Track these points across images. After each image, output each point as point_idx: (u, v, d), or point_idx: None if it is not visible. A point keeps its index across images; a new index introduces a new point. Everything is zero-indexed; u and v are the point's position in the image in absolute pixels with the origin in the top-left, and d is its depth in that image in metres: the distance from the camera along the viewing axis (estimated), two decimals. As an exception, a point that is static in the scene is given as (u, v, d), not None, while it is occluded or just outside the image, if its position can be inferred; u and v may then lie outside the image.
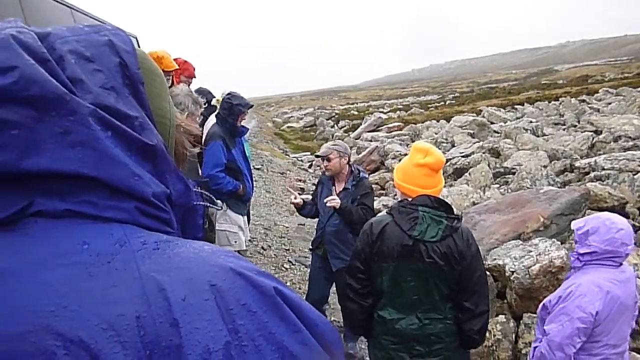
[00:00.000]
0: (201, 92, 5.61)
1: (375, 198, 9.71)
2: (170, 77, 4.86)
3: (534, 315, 3.93)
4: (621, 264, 2.56)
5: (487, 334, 4.32)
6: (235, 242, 4.61)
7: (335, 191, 4.23)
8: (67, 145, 0.55)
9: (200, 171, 4.65)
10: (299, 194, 4.54)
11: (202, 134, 4.72)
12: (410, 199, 2.50)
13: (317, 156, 4.41)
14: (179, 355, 0.50)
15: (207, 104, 5.27)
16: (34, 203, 0.55)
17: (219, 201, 4.38)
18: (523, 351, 4.13)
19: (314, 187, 4.76)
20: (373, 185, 6.24)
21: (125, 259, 0.54)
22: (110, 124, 0.59)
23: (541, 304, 2.74)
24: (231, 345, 0.51)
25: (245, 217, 4.85)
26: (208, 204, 0.92)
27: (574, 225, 2.68)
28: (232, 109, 4.39)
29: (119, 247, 0.55)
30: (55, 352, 0.47)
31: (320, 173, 4.44)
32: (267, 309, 0.55)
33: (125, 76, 0.64)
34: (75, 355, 0.48)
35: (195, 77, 5.54)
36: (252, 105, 4.79)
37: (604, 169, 8.85)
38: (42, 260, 0.53)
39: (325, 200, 4.03)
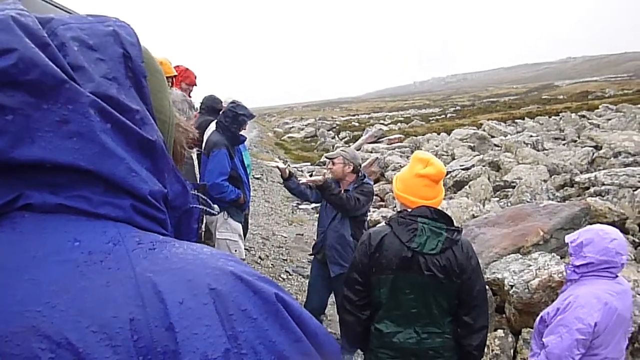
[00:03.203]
0: (213, 100, 5.62)
1: (374, 209, 9.72)
2: (170, 83, 4.87)
3: (533, 330, 3.88)
4: (617, 275, 2.55)
5: (486, 349, 4.28)
6: (236, 250, 4.60)
7: None
8: (63, 135, 0.52)
9: (197, 174, 4.65)
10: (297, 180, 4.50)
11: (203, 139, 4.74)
12: (409, 210, 2.47)
13: (326, 157, 4.44)
14: None
15: (217, 112, 5.29)
16: (22, 196, 0.52)
17: (215, 205, 4.37)
18: (521, 367, 4.08)
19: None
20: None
21: (119, 258, 0.50)
22: (111, 115, 0.56)
23: (539, 316, 2.71)
24: (230, 353, 0.48)
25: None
26: (205, 208, 0.89)
27: (568, 238, 2.67)
28: (236, 118, 4.43)
29: (112, 245, 0.52)
30: (40, 356, 0.44)
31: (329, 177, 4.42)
32: (268, 316, 0.52)
33: (128, 68, 0.61)
34: (62, 359, 0.45)
35: (196, 84, 5.54)
36: (255, 116, 4.80)
37: (604, 184, 8.83)
38: (30, 258, 0.50)
39: (302, 181, 4.04)
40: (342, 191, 4.12)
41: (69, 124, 0.52)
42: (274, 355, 0.51)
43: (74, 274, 0.48)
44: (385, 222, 2.59)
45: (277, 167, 4.41)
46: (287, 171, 4.34)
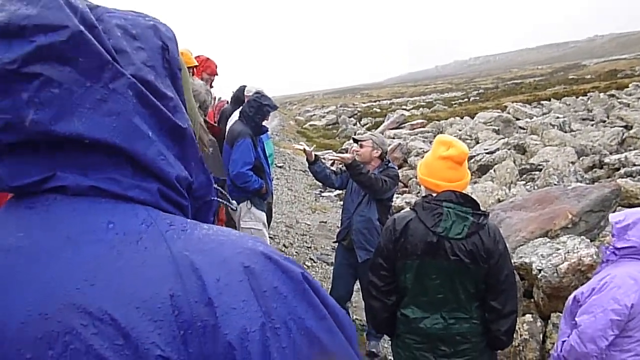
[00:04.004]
0: (240, 90, 5.63)
1: (398, 195, 9.66)
2: (191, 73, 4.90)
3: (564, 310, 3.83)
4: None
5: (514, 334, 4.23)
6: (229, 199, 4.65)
7: None
8: (103, 113, 0.54)
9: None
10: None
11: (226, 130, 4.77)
12: (434, 195, 2.44)
13: (354, 139, 4.37)
14: (216, 335, 0.49)
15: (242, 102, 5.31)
16: (54, 177, 0.54)
17: (234, 201, 4.41)
18: (551, 351, 4.02)
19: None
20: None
21: (154, 239, 0.53)
22: (147, 99, 0.58)
23: (571, 296, 2.65)
24: (266, 327, 0.50)
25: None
26: (224, 202, 0.91)
27: (612, 218, 2.60)
28: (261, 109, 4.44)
29: (145, 227, 0.54)
30: (81, 332, 0.47)
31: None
32: (296, 294, 0.54)
33: (165, 60, 0.63)
34: (105, 334, 0.47)
35: (217, 74, 5.56)
36: (278, 107, 4.81)
37: (635, 165, 8.62)
38: (64, 238, 0.52)
39: (330, 157, 3.97)
40: None
41: (108, 103, 0.55)
42: (303, 330, 0.53)
43: (110, 253, 0.50)
44: (410, 207, 2.57)
45: (304, 150, 4.36)
46: (313, 154, 4.31)
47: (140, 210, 0.56)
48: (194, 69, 4.98)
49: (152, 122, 0.59)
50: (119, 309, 0.47)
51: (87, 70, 0.54)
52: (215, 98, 5.67)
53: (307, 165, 4.51)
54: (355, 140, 4.27)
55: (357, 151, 4.16)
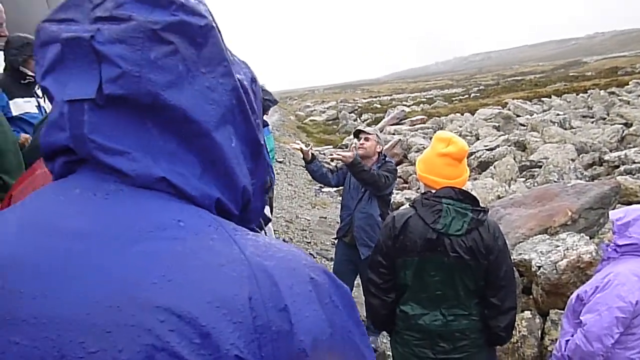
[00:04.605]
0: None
1: (397, 191, 9.66)
2: None
3: (561, 311, 3.83)
4: None
5: (513, 331, 4.24)
6: (265, 233, 4.65)
7: None
8: (206, 99, 0.59)
9: None
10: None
11: None
12: (433, 191, 2.44)
13: (357, 131, 4.31)
14: (291, 341, 0.50)
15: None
16: (127, 154, 0.55)
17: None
18: (549, 348, 4.03)
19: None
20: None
21: (225, 241, 0.53)
22: (243, 106, 0.63)
23: (575, 294, 2.64)
24: (333, 337, 0.53)
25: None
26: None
27: (613, 215, 2.60)
28: (261, 103, 4.43)
29: (213, 229, 0.54)
30: (156, 328, 0.45)
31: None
32: (347, 308, 0.57)
33: (254, 86, 0.70)
34: (182, 333, 0.45)
35: None
36: (278, 102, 4.80)
37: (634, 162, 8.62)
38: (137, 231, 0.51)
39: (332, 155, 3.98)
40: None
41: (213, 93, 0.60)
42: (352, 344, 0.56)
43: (185, 251, 0.50)
44: (409, 204, 2.57)
45: (300, 150, 4.28)
46: (310, 153, 4.26)
47: (203, 213, 0.56)
48: None
49: (239, 129, 0.63)
50: (198, 307, 0.46)
51: (206, 59, 0.60)
52: None
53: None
54: (357, 136, 4.24)
55: (363, 144, 4.13)
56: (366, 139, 4.11)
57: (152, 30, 0.55)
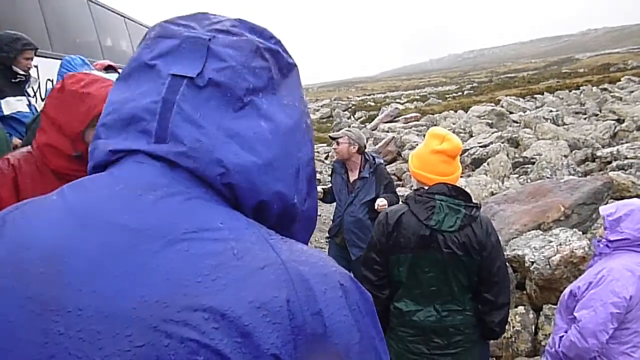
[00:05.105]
0: None
1: (392, 189, 9.66)
2: None
3: (555, 306, 3.85)
4: None
5: (507, 325, 4.26)
6: None
7: (349, 179, 4.24)
8: (281, 109, 0.65)
9: None
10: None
11: None
12: (426, 188, 2.44)
13: (330, 136, 4.48)
14: (325, 344, 0.52)
15: None
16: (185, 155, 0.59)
17: None
18: (543, 343, 4.06)
19: (329, 177, 4.79)
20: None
21: (262, 244, 0.55)
22: (309, 133, 0.71)
23: (567, 290, 2.64)
24: (361, 342, 0.55)
25: None
26: None
27: (604, 211, 2.60)
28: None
29: (251, 232, 0.56)
30: (201, 325, 0.46)
31: (335, 162, 4.51)
32: (369, 315, 0.59)
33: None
34: (225, 331, 0.47)
35: None
36: None
37: (626, 158, 8.66)
38: (182, 231, 0.52)
39: (377, 207, 4.03)
40: (357, 177, 4.17)
41: (287, 109, 0.66)
42: (373, 349, 0.58)
43: (228, 253, 0.52)
44: (402, 201, 2.57)
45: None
46: (322, 193, 4.45)
47: (239, 216, 0.58)
48: None
49: (302, 149, 0.69)
50: (241, 307, 0.48)
51: (287, 87, 0.68)
52: None
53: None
54: (333, 139, 4.33)
55: (336, 149, 4.24)
56: (337, 143, 4.20)
57: (257, 47, 0.65)
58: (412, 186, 2.85)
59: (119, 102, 0.63)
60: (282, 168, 0.63)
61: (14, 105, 3.43)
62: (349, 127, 23.39)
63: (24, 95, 3.63)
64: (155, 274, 0.49)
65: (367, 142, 4.38)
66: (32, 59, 3.62)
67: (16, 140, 3.22)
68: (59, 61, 3.62)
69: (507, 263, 4.43)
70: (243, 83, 0.62)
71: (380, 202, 3.98)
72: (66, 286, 0.49)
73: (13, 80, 3.52)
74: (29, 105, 3.63)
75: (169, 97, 0.60)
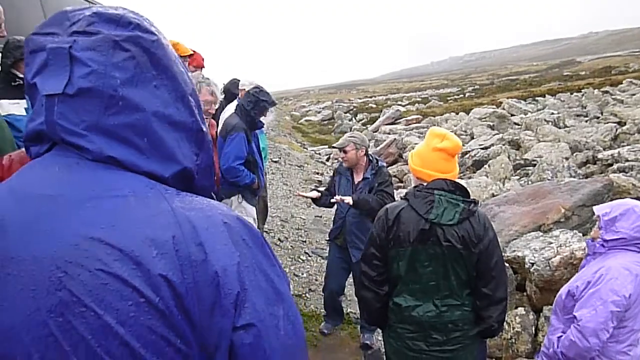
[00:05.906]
0: (232, 84, 5.63)
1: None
2: (187, 62, 4.89)
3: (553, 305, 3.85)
4: None
5: (507, 327, 4.26)
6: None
7: (354, 182, 4.22)
8: (152, 93, 0.77)
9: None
10: (315, 186, 4.56)
11: (218, 122, 4.74)
12: (425, 184, 2.47)
13: (334, 147, 4.43)
14: (205, 267, 0.68)
15: (234, 96, 5.32)
16: (85, 137, 0.73)
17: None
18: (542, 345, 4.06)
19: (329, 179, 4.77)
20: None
21: (157, 197, 0.72)
22: (187, 103, 0.83)
23: (564, 290, 2.63)
24: (240, 265, 0.72)
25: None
26: None
27: (599, 210, 2.60)
28: (258, 104, 4.36)
29: (149, 189, 0.73)
30: (105, 260, 0.64)
31: (338, 164, 4.48)
32: (256, 245, 0.77)
33: (195, 92, 0.93)
34: (124, 261, 0.65)
35: (204, 67, 5.55)
36: (277, 104, 4.76)
37: (627, 161, 8.66)
38: (91, 192, 0.70)
39: (333, 200, 4.05)
40: (361, 179, 4.15)
41: (160, 89, 0.78)
42: (262, 272, 0.75)
43: (126, 205, 0.69)
44: (401, 197, 2.59)
45: (312, 199, 4.53)
46: (315, 195, 4.44)
47: (142, 178, 0.74)
48: (188, 58, 4.97)
49: (180, 120, 0.81)
50: (134, 243, 0.66)
51: (157, 65, 0.78)
52: None
53: (302, 160, 4.56)
54: (338, 149, 4.31)
55: (344, 157, 4.21)
56: (344, 152, 4.19)
57: (114, 41, 0.74)
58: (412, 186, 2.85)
59: (28, 121, 0.77)
60: (162, 147, 0.77)
61: (7, 108, 3.44)
62: (350, 130, 23.39)
63: (24, 98, 3.64)
64: (71, 225, 0.67)
65: (368, 142, 4.36)
66: None
67: None
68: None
69: (507, 264, 4.43)
70: (111, 81, 0.73)
71: (342, 197, 4.02)
72: (9, 242, 0.68)
73: (13, 84, 3.54)
74: (27, 108, 3.64)
75: (49, 118, 0.73)
